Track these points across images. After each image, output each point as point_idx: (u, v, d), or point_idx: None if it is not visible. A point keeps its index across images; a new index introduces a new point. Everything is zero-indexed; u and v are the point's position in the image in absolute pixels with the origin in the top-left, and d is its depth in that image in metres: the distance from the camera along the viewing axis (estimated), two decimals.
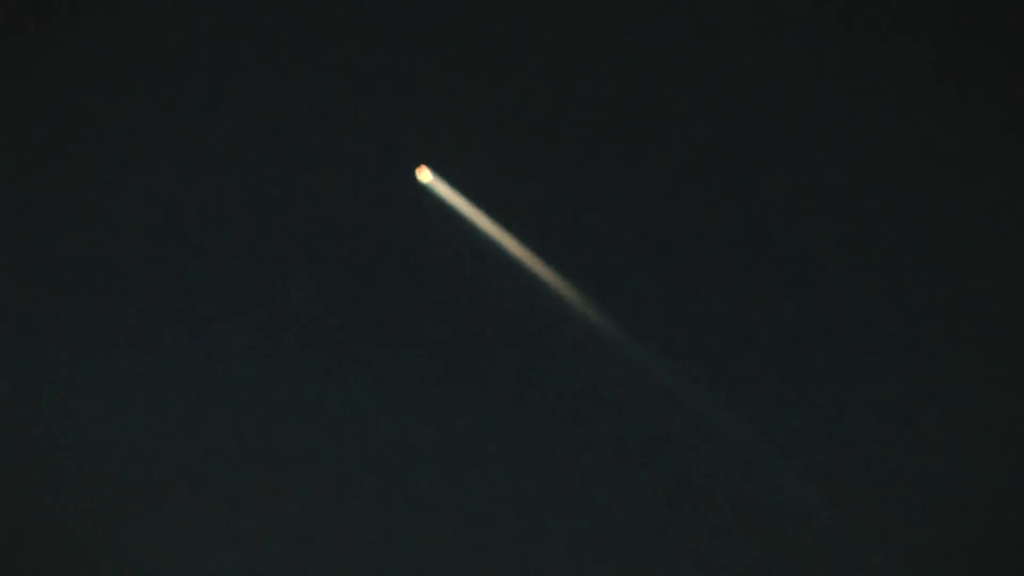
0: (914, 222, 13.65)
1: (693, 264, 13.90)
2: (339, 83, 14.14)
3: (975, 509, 13.01)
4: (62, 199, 14.04)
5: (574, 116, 14.11)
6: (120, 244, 14.03)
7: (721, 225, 13.91)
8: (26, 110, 14.06)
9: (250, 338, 13.91)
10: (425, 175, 13.85)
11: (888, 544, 13.07)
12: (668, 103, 13.97)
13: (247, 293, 14.02)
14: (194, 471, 13.59)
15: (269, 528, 13.53)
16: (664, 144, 14.03)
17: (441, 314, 13.92)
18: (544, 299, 13.83)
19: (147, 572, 13.42)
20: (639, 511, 13.46)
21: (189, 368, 13.85)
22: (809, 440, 13.45)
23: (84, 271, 13.99)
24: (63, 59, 14.06)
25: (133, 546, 13.47)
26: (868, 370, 13.53)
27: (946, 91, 13.61)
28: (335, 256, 14.08)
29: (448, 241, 13.88)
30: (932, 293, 13.46)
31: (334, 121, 14.11)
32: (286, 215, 14.10)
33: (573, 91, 14.05)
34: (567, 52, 14.00)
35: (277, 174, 14.12)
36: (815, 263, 13.73)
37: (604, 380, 13.69)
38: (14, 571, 13.28)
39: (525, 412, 13.77)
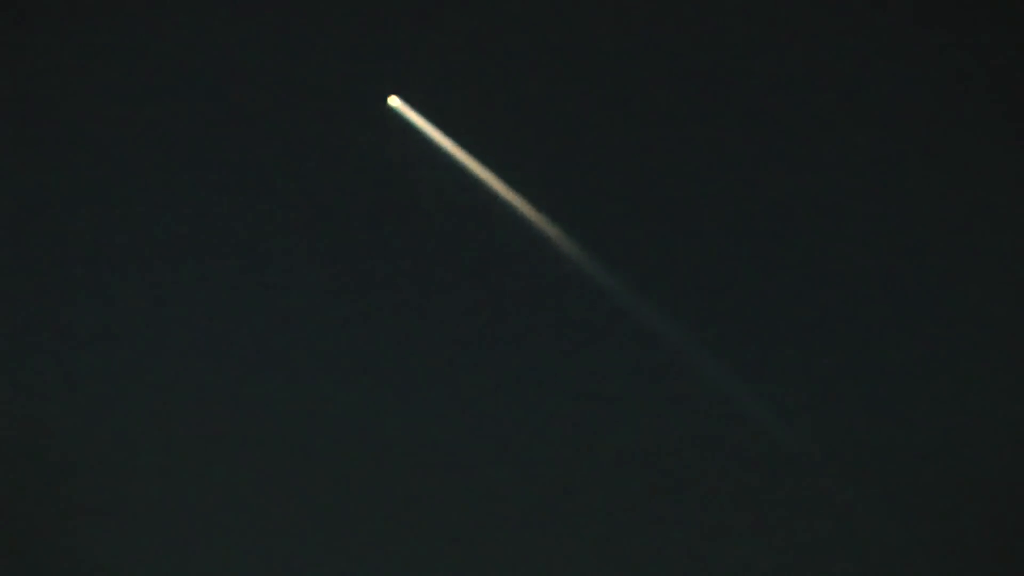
0: (917, 220, 13.69)
1: (721, 250, 13.87)
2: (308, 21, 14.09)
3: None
4: (62, 199, 14.05)
5: (555, 42, 14.01)
6: (118, 239, 14.06)
7: (749, 211, 13.87)
8: (26, 110, 14.07)
9: (254, 330, 13.95)
10: (394, 100, 13.76)
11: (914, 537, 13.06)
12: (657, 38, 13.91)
13: (249, 282, 14.05)
14: (194, 471, 13.61)
15: (269, 528, 13.54)
16: (652, 76, 13.97)
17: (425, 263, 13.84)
18: (526, 237, 13.72)
19: (147, 572, 13.43)
20: (643, 510, 13.48)
21: (189, 367, 13.89)
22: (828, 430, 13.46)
23: (84, 271, 14.01)
24: (63, 59, 14.09)
25: (133, 546, 13.48)
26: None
27: (953, 89, 13.65)
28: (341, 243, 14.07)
29: (420, 172, 13.80)
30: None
31: (303, 56, 14.05)
32: (287, 205, 14.12)
33: (554, 15, 13.97)
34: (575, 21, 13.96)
35: (278, 163, 14.14)
36: (832, 246, 13.72)
37: (586, 319, 13.61)
38: (14, 571, 13.29)
39: (506, 363, 13.72)
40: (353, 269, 14.08)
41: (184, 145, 14.11)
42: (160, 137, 14.11)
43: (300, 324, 14.02)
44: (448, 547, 13.51)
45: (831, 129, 13.81)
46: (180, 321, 14.01)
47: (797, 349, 13.65)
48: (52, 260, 13.99)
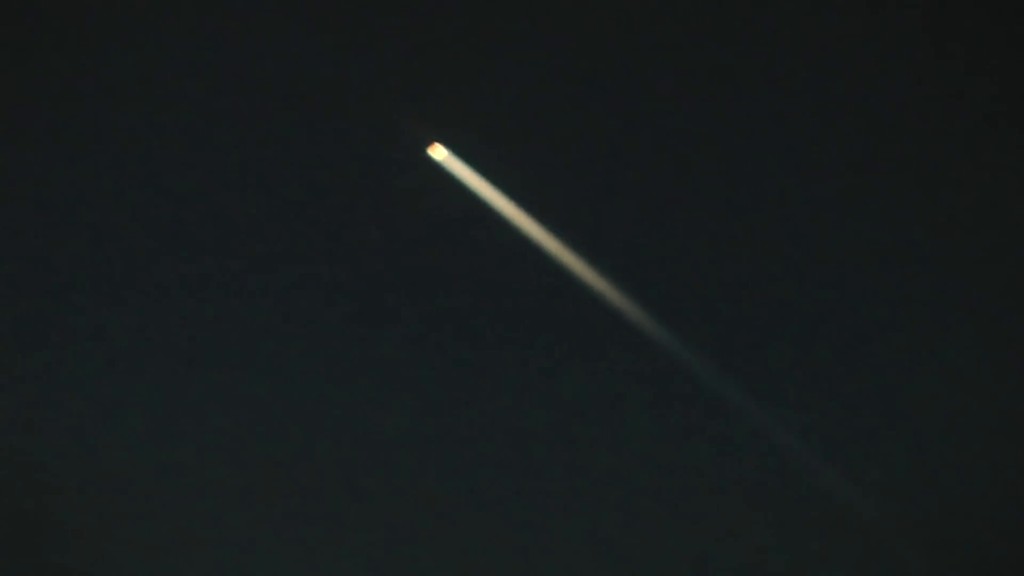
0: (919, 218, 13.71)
1: (719, 255, 13.86)
2: (349, 65, 14.11)
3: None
4: (62, 199, 14.03)
5: (595, 94, 14.06)
6: (120, 242, 14.05)
7: (749, 216, 13.86)
8: (26, 110, 14.07)
9: (255, 332, 13.94)
10: (439, 152, 13.75)
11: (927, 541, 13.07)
12: (694, 86, 13.91)
13: (251, 286, 14.04)
14: (194, 471, 13.60)
15: (270, 528, 13.53)
16: (686, 127, 13.99)
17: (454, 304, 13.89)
18: (564, 284, 13.74)
19: (147, 572, 13.42)
20: (643, 510, 13.50)
21: (190, 367, 13.88)
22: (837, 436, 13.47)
23: (84, 271, 13.99)
24: (62, 59, 14.08)
25: (133, 546, 13.47)
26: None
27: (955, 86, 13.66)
28: (343, 245, 14.05)
29: (462, 222, 13.82)
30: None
31: (343, 105, 14.08)
32: (289, 206, 14.10)
33: (593, 68, 14.00)
34: (584, 28, 13.94)
35: (280, 164, 14.12)
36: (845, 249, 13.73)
37: (623, 368, 13.66)
38: (14, 571, 13.29)
39: (539, 405, 13.74)
40: (357, 271, 14.11)
41: (210, 205, 14.17)
42: (172, 143, 14.18)
43: (301, 325, 14.03)
44: (448, 547, 13.51)
45: (836, 130, 13.83)
46: (180, 321, 14.03)
47: (796, 349, 13.67)
48: (52, 260, 14.00)
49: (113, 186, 14.09)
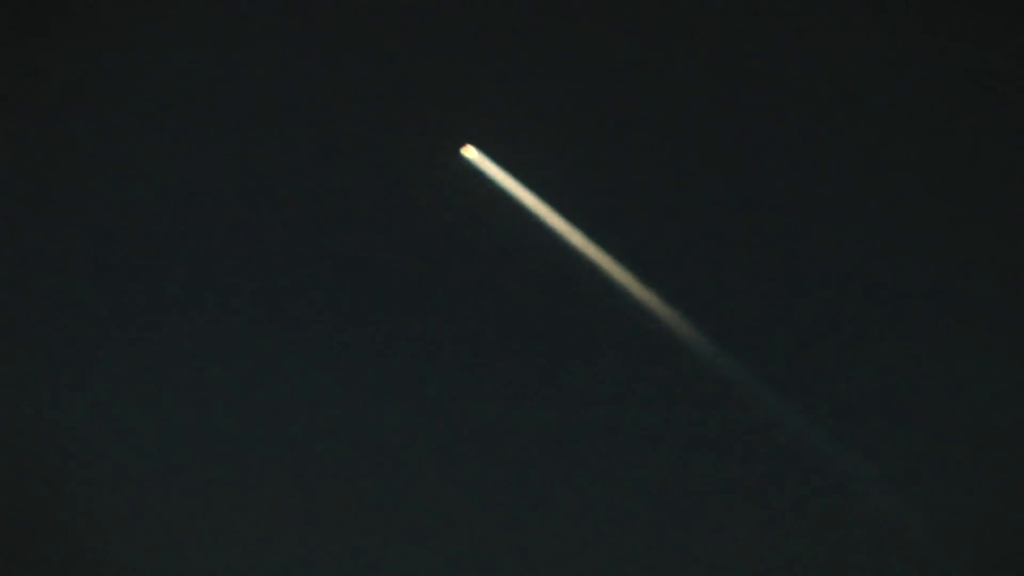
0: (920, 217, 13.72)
1: (754, 252, 13.84)
2: (376, 64, 14.11)
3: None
4: (62, 199, 14.04)
5: (625, 92, 14.05)
6: (120, 242, 14.05)
7: (782, 213, 13.85)
8: (26, 110, 14.07)
9: (264, 334, 13.93)
10: (470, 152, 13.74)
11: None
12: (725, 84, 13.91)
13: (258, 286, 14.04)
14: (194, 471, 13.59)
15: (270, 528, 13.52)
16: (719, 125, 13.98)
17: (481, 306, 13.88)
18: (595, 283, 13.72)
19: (147, 572, 13.41)
20: (643, 510, 13.48)
21: (189, 367, 13.87)
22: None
23: (84, 270, 14.00)
24: (63, 58, 14.09)
25: (133, 546, 13.45)
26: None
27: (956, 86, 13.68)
28: (348, 245, 14.06)
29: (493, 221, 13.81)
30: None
31: (372, 105, 14.07)
32: (290, 206, 14.11)
33: (622, 66, 13.99)
34: (617, 24, 13.94)
35: (290, 165, 14.15)
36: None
37: (653, 370, 13.64)
38: (14, 571, 13.27)
39: (568, 406, 13.71)
40: (362, 273, 14.11)
41: (224, 205, 14.18)
42: (173, 143, 14.19)
43: (303, 327, 14.03)
44: (448, 548, 13.50)
45: (848, 129, 13.85)
46: (181, 321, 14.03)
47: (802, 348, 13.67)
48: (52, 260, 14.00)
49: (118, 185, 14.13)
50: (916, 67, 13.73)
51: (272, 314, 13.91)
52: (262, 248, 14.01)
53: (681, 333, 13.44)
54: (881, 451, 13.32)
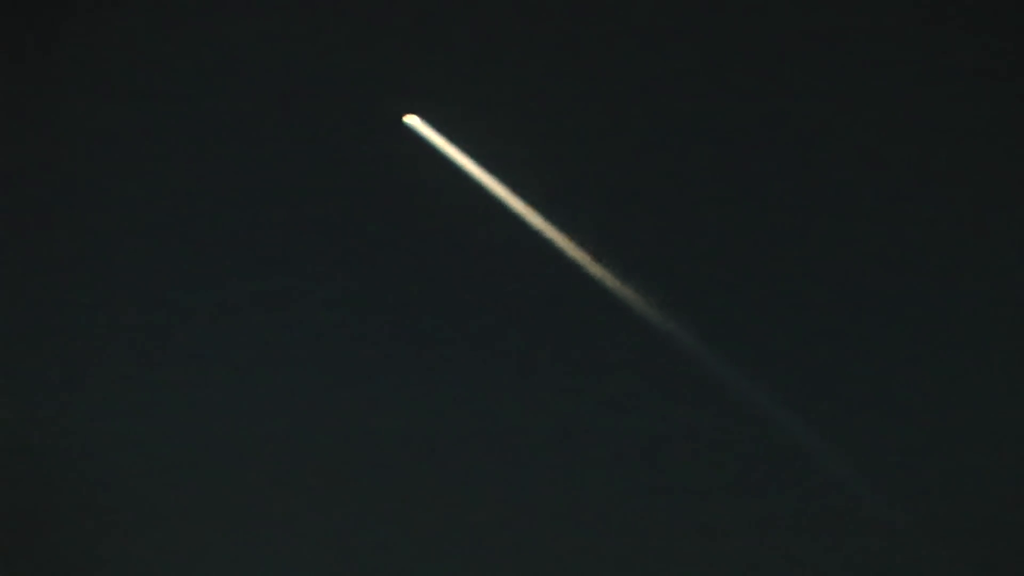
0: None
1: (754, 252, 13.83)
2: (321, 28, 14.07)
3: None
4: (62, 199, 14.04)
5: (574, 54, 13.96)
6: (119, 240, 14.05)
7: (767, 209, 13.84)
8: (26, 110, 14.07)
9: (255, 332, 13.93)
10: (411, 118, 13.71)
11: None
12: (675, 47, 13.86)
13: (251, 286, 14.03)
14: (194, 471, 13.59)
15: (271, 529, 13.52)
16: (667, 87, 13.89)
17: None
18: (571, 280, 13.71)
19: (147, 572, 13.41)
20: (644, 510, 13.48)
21: (190, 367, 13.87)
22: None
23: (84, 270, 13.99)
24: (62, 58, 14.09)
25: (133, 546, 13.46)
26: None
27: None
28: (345, 244, 14.05)
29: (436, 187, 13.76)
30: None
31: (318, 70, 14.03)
32: (289, 206, 14.10)
33: (572, 28, 13.90)
34: (606, 23, 13.90)
35: (280, 164, 14.14)
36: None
37: (604, 337, 13.60)
38: (14, 571, 13.27)
39: (528, 384, 13.69)
40: (359, 271, 14.11)
41: (195, 150, 14.14)
42: (169, 140, 14.16)
43: (303, 328, 14.03)
44: (448, 548, 13.50)
45: (845, 127, 13.84)
46: (181, 322, 14.02)
47: (801, 346, 13.66)
48: (52, 260, 14.00)
49: (120, 184, 14.13)
50: (916, 67, 13.72)
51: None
52: (221, 247, 14.02)
53: (663, 326, 13.44)
54: (881, 451, 13.32)
